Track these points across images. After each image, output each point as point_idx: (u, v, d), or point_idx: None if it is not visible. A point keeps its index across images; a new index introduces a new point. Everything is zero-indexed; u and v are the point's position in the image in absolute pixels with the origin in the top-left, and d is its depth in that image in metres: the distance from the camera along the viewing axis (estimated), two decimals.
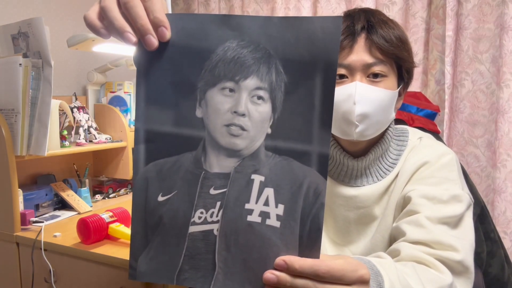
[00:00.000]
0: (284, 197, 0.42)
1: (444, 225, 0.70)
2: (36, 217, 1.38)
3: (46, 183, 1.55)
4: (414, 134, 0.85)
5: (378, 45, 0.71)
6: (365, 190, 0.79)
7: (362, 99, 0.70)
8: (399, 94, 0.79)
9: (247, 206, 0.43)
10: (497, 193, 1.66)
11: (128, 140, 1.74)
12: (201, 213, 0.44)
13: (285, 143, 0.42)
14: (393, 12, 1.85)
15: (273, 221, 0.43)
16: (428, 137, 0.85)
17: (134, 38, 0.44)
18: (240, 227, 0.43)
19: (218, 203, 0.43)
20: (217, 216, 0.43)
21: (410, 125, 1.40)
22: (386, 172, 0.80)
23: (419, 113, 1.41)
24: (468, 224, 0.74)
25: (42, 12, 1.72)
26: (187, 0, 2.38)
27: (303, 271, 0.41)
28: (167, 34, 0.45)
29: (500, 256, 1.28)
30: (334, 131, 0.78)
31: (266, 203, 0.42)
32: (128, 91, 1.82)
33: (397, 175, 0.79)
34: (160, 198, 0.45)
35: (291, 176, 0.42)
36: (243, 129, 0.43)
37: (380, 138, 0.80)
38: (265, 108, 0.43)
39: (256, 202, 0.42)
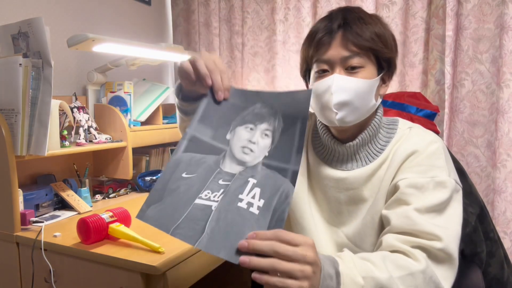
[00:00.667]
0: (266, 195, 0.62)
1: (430, 213, 0.75)
2: (36, 217, 1.38)
3: (46, 183, 1.55)
4: (404, 123, 0.89)
5: (353, 41, 0.79)
6: (354, 173, 0.86)
7: (338, 89, 0.79)
8: (384, 81, 0.86)
9: (240, 196, 0.62)
10: (497, 193, 1.66)
11: (128, 140, 1.74)
12: (208, 193, 0.63)
13: (274, 163, 0.66)
14: (393, 12, 1.85)
15: (254, 209, 0.61)
16: (418, 127, 0.89)
17: (210, 83, 0.74)
18: (231, 209, 0.61)
19: (222, 190, 0.63)
20: (218, 197, 0.63)
21: None
22: (374, 157, 0.86)
23: (419, 113, 1.41)
24: (454, 211, 0.79)
25: (42, 12, 1.72)
26: (187, 0, 2.38)
27: (266, 235, 0.57)
28: (228, 95, 0.76)
29: (499, 256, 1.29)
30: (322, 119, 0.87)
31: (253, 197, 0.62)
32: (128, 91, 1.82)
33: (385, 160, 0.85)
34: (184, 175, 0.65)
35: (273, 183, 0.64)
36: (252, 151, 0.69)
37: (367, 126, 0.86)
38: (267, 141, 0.70)
39: (247, 195, 0.62)
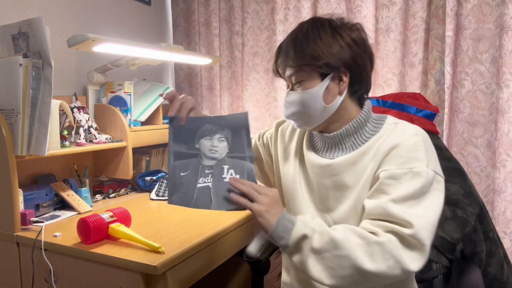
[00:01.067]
0: (238, 172, 0.96)
1: (405, 202, 0.83)
2: (36, 217, 1.38)
3: (46, 183, 1.55)
4: (392, 119, 0.97)
5: (285, 63, 0.97)
6: (337, 160, 0.96)
7: (286, 104, 0.98)
8: (341, 79, 0.94)
9: (223, 176, 0.96)
10: (497, 193, 1.66)
11: (128, 140, 1.74)
12: (202, 179, 0.96)
13: (235, 154, 0.98)
14: (393, 12, 1.85)
15: None
16: (403, 123, 0.96)
17: (172, 115, 1.04)
18: (220, 183, 0.95)
19: (210, 175, 0.96)
20: (210, 180, 0.96)
21: None
22: (357, 146, 0.95)
23: (418, 114, 1.41)
24: (432, 200, 0.85)
25: (42, 12, 1.72)
26: (187, 0, 2.38)
27: (245, 182, 0.92)
28: (183, 123, 1.03)
29: (499, 256, 1.29)
30: None
31: (231, 175, 0.96)
32: (128, 91, 1.82)
33: (368, 150, 0.93)
34: (182, 174, 0.97)
35: (240, 165, 0.97)
36: (216, 151, 0.99)
37: (351, 120, 0.97)
38: (224, 144, 0.99)
39: (226, 174, 0.96)
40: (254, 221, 1.54)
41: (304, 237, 0.84)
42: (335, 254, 0.82)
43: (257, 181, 0.97)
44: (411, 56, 1.84)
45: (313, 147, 1.03)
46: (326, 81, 0.93)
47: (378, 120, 0.97)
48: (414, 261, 0.80)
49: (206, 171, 0.97)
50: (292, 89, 0.97)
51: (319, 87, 0.93)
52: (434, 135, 1.39)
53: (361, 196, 0.92)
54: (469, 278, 1.20)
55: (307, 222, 0.86)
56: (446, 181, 1.09)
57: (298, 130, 1.10)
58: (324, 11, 2.00)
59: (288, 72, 0.96)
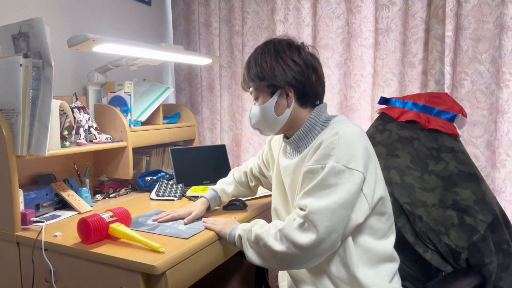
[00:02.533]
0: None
1: (312, 192, 1.02)
2: (36, 217, 1.39)
3: (46, 183, 1.55)
4: (334, 120, 1.12)
5: (245, 84, 1.20)
6: (292, 161, 1.16)
7: (250, 116, 1.21)
8: (287, 95, 1.13)
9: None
10: (497, 193, 1.66)
11: (128, 140, 1.74)
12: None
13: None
14: (392, 13, 1.85)
15: None
16: (339, 122, 1.10)
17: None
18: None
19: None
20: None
21: (426, 126, 1.39)
22: (304, 149, 1.14)
23: (440, 115, 1.39)
24: (335, 191, 0.99)
25: (42, 12, 1.72)
26: (187, 1, 2.38)
27: (206, 221, 1.34)
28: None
29: None
30: None
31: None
32: (128, 91, 1.82)
33: (308, 152, 1.10)
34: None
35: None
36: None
37: (300, 126, 1.14)
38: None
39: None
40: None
41: (239, 237, 1.16)
42: (260, 243, 1.08)
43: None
44: (411, 56, 1.84)
45: (285, 153, 1.23)
46: (275, 97, 1.14)
47: (325, 122, 1.13)
48: (303, 238, 0.99)
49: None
50: (254, 104, 1.19)
51: (270, 102, 1.14)
52: (452, 137, 1.37)
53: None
54: (454, 284, 1.15)
55: (244, 227, 1.17)
56: (456, 185, 1.23)
57: (280, 140, 1.28)
58: (324, 11, 2.00)
59: (250, 89, 1.20)
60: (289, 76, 1.11)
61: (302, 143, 1.15)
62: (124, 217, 1.26)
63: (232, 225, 1.23)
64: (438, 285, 1.17)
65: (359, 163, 1.01)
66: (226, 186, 1.48)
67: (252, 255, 1.12)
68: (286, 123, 1.15)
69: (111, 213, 1.24)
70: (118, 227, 1.20)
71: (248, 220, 1.44)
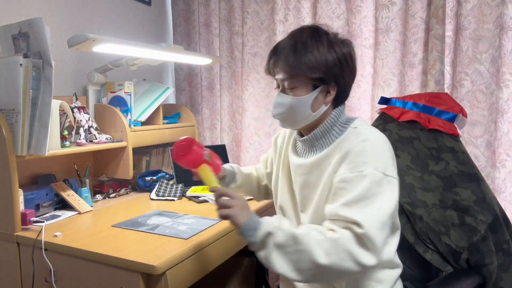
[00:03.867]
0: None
1: (355, 204, 0.90)
2: (36, 217, 1.39)
3: (46, 183, 1.55)
4: (355, 122, 1.04)
5: (281, 67, 1.00)
6: (306, 161, 1.06)
7: (276, 104, 1.04)
8: (328, 92, 1.01)
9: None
10: (497, 193, 1.66)
11: (128, 140, 1.74)
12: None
13: None
14: (392, 13, 1.85)
15: None
16: (362, 126, 1.02)
17: None
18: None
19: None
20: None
21: (426, 126, 1.38)
22: (321, 149, 1.04)
23: (440, 115, 1.39)
24: (381, 201, 0.90)
25: (43, 12, 1.72)
26: (187, 1, 2.38)
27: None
28: None
29: None
30: None
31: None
32: (128, 91, 1.82)
33: (331, 153, 1.00)
34: None
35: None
36: None
37: (319, 125, 1.04)
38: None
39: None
40: None
41: (268, 234, 0.91)
42: (296, 248, 0.89)
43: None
44: (411, 56, 1.84)
45: (295, 150, 1.13)
46: (316, 92, 1.00)
47: (345, 124, 1.04)
48: (367, 257, 0.86)
49: None
50: (283, 91, 1.03)
51: (309, 96, 1.00)
52: (452, 137, 1.36)
53: (321, 197, 1.00)
54: (454, 285, 1.15)
55: (271, 221, 0.94)
56: (456, 185, 1.15)
57: (286, 137, 1.19)
58: (324, 11, 2.00)
59: (282, 75, 1.01)
60: (338, 72, 0.99)
61: (318, 142, 1.05)
62: (216, 164, 1.17)
63: (248, 213, 0.95)
64: (439, 286, 1.17)
65: (393, 169, 0.96)
66: (242, 168, 1.35)
67: (278, 260, 0.90)
68: (314, 120, 1.04)
69: (209, 154, 1.14)
70: (205, 170, 1.09)
71: None
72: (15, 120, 1.28)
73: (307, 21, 2.03)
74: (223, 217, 0.95)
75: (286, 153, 1.16)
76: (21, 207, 1.34)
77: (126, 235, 1.28)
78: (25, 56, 1.31)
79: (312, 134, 1.05)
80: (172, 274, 1.10)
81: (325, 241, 0.88)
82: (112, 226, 1.37)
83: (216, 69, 2.35)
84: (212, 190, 1.02)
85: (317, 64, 0.97)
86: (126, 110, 1.80)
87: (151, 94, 1.98)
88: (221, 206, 0.97)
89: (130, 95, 1.82)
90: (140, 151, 2.01)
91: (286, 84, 1.01)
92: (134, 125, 1.83)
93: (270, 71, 1.05)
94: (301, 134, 1.10)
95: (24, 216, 1.32)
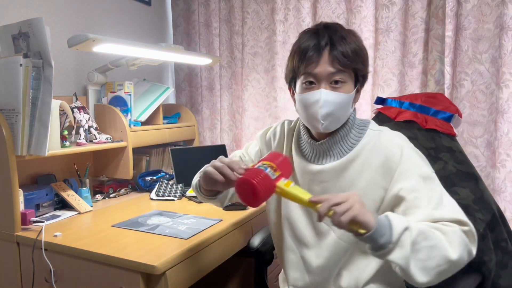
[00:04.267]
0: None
1: (440, 204, 0.87)
2: (36, 217, 1.39)
3: (46, 183, 1.55)
4: (374, 125, 1.01)
5: (338, 59, 0.90)
6: (327, 166, 0.98)
7: (325, 103, 0.91)
8: (357, 91, 0.97)
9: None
10: (497, 193, 1.66)
11: (128, 140, 1.74)
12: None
13: None
14: (392, 13, 1.85)
15: None
16: (386, 130, 1.00)
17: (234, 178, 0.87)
18: None
19: None
20: None
21: (424, 126, 1.38)
22: (344, 153, 0.98)
23: (437, 115, 1.39)
24: (448, 195, 0.91)
25: (42, 12, 1.72)
26: (187, 1, 2.38)
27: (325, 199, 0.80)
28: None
29: None
30: (308, 125, 1.00)
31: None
32: (129, 91, 1.82)
33: (356, 158, 0.96)
34: None
35: None
36: None
37: (340, 127, 0.97)
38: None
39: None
40: (254, 221, 1.55)
41: (405, 230, 0.77)
42: (426, 245, 0.78)
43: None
44: (411, 56, 1.84)
45: (304, 155, 1.04)
46: (355, 90, 0.96)
47: (362, 126, 1.00)
48: (474, 251, 0.84)
49: None
50: (329, 88, 0.92)
51: (353, 94, 0.96)
52: (449, 137, 1.37)
53: None
54: (458, 285, 1.16)
55: (395, 215, 0.80)
56: (455, 185, 1.17)
57: (278, 135, 1.11)
58: (324, 11, 2.00)
59: (332, 68, 0.90)
60: (367, 72, 0.98)
61: (336, 146, 0.98)
62: (286, 168, 0.90)
63: (368, 209, 0.77)
64: (445, 285, 1.18)
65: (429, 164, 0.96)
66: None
67: (413, 260, 0.78)
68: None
69: (273, 165, 0.87)
70: (288, 187, 0.85)
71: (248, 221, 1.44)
72: (15, 120, 1.28)
73: (307, 21, 2.03)
74: (347, 222, 0.73)
75: (290, 155, 1.07)
76: (21, 207, 1.34)
77: (126, 235, 1.28)
78: (25, 56, 1.31)
79: (332, 137, 0.97)
80: (172, 274, 1.10)
81: (446, 235, 0.80)
82: (112, 226, 1.37)
83: (216, 69, 2.35)
84: (314, 201, 0.77)
85: (365, 58, 0.95)
86: (126, 110, 1.80)
87: (151, 94, 1.98)
88: (339, 212, 0.74)
89: (130, 95, 1.82)
90: (140, 151, 2.01)
91: (337, 77, 0.91)
92: (134, 125, 1.83)
93: (309, 63, 0.91)
94: (311, 137, 1.01)
95: (24, 216, 1.32)
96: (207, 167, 0.93)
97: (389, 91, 1.88)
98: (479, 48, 1.69)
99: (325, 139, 0.98)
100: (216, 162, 0.91)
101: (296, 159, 1.05)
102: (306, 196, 0.81)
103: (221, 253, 1.34)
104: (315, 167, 1.00)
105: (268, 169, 0.85)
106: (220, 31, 2.32)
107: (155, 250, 1.14)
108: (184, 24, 2.42)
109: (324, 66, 0.91)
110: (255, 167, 0.87)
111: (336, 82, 0.92)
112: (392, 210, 0.92)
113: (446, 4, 1.69)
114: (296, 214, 1.05)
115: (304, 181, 1.03)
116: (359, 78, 0.96)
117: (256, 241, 1.32)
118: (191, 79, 2.45)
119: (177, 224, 1.38)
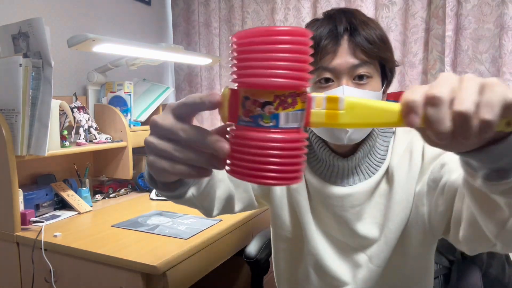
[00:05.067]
0: None
1: None
2: (36, 217, 1.38)
3: (46, 183, 1.55)
4: (402, 130, 0.84)
5: (362, 47, 0.70)
6: (358, 188, 0.78)
7: None
8: (383, 92, 0.78)
9: None
10: None
11: (128, 140, 1.74)
12: None
13: None
14: (393, 12, 1.85)
15: None
16: (398, 132, 0.83)
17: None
18: None
19: None
20: None
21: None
22: (376, 168, 0.79)
23: None
24: None
25: (42, 12, 1.72)
26: (187, 1, 2.38)
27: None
28: None
29: (500, 257, 1.27)
30: (325, 136, 0.77)
31: None
32: (128, 91, 1.82)
33: (386, 171, 0.79)
34: None
35: None
36: None
37: (366, 136, 0.78)
38: None
39: None
40: (253, 221, 1.55)
41: None
42: None
43: None
44: (411, 56, 1.84)
45: (320, 174, 0.82)
46: (382, 90, 0.76)
47: (385, 132, 0.81)
48: None
49: None
50: (352, 84, 0.72)
51: (381, 92, 0.75)
52: None
53: (390, 227, 0.78)
54: (468, 279, 1.19)
55: None
56: None
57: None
58: (324, 11, 1.99)
59: (355, 59, 0.71)
60: (395, 63, 0.80)
61: (364, 161, 0.79)
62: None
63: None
64: (458, 281, 1.19)
65: None
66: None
67: None
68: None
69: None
70: (337, 110, 0.47)
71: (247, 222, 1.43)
72: (15, 120, 1.28)
73: (307, 21, 2.03)
74: (502, 105, 0.36)
75: (306, 179, 0.84)
76: (21, 207, 1.34)
77: (126, 235, 1.28)
78: (25, 56, 1.31)
79: (361, 151, 0.78)
80: (172, 274, 1.10)
81: None
82: (112, 226, 1.37)
83: (216, 69, 2.35)
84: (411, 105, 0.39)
85: (392, 49, 0.77)
86: (126, 110, 1.80)
87: (151, 94, 1.98)
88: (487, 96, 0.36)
89: (130, 95, 1.82)
90: (140, 151, 2.00)
91: (362, 71, 0.71)
92: (134, 125, 1.82)
93: (323, 54, 0.71)
94: (332, 151, 0.80)
95: (24, 216, 1.32)
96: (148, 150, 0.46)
97: (389, 91, 1.88)
98: (479, 48, 1.69)
99: (353, 153, 0.78)
100: (153, 137, 0.44)
101: (311, 179, 0.83)
102: (389, 106, 0.42)
103: (221, 253, 1.34)
104: (341, 190, 0.79)
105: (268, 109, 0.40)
106: (220, 31, 2.31)
107: (155, 250, 1.14)
108: (184, 24, 2.42)
109: (344, 57, 0.70)
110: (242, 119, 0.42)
111: (361, 77, 0.71)
112: (434, 195, 0.74)
113: (446, 4, 1.69)
114: (323, 245, 0.85)
115: (329, 207, 0.81)
116: (387, 73, 0.77)
117: (253, 249, 1.29)
118: (191, 79, 2.45)
119: (177, 224, 1.38)
